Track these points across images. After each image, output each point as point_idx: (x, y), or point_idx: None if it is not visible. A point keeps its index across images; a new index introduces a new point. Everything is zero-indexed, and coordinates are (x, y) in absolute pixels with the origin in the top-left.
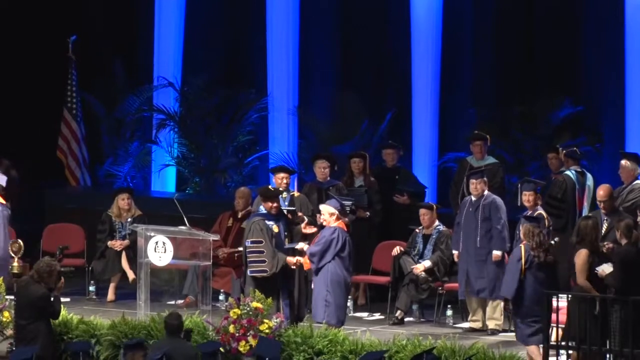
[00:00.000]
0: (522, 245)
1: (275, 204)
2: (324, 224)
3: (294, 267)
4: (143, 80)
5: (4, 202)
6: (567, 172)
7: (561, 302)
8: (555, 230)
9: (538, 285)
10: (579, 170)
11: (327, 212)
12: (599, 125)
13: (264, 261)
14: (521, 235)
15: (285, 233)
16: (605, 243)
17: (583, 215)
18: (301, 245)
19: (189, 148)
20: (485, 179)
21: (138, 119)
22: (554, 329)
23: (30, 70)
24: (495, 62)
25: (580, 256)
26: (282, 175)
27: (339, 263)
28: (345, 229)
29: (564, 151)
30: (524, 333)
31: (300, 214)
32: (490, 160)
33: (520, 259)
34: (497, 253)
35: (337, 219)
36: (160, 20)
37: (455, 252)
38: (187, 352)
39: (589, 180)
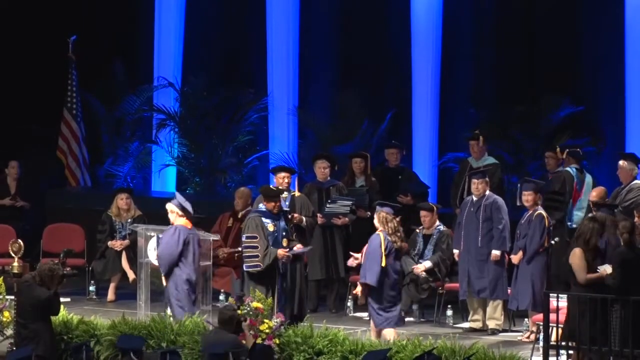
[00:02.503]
0: (380, 233)
1: (277, 203)
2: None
3: (283, 259)
4: (143, 80)
5: None
6: (567, 169)
7: (561, 302)
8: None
9: (395, 272)
10: (578, 168)
11: (169, 210)
12: (599, 126)
13: (257, 256)
14: (376, 223)
15: (284, 233)
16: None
17: (575, 208)
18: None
19: (189, 148)
20: (487, 179)
21: (138, 119)
22: (554, 329)
23: (30, 70)
24: (495, 62)
25: (575, 255)
26: (283, 174)
27: (183, 263)
28: (189, 227)
29: (567, 150)
30: (384, 318)
31: (296, 215)
32: (490, 160)
33: (380, 245)
34: (496, 253)
35: (180, 216)
36: (160, 20)
37: (455, 251)
38: (218, 341)
39: (588, 177)
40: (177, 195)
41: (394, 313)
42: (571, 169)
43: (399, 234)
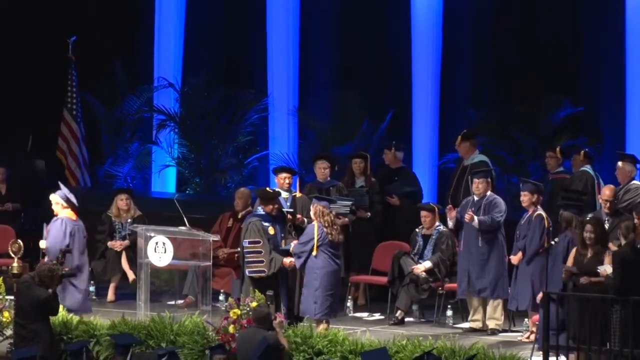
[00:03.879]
0: (315, 223)
1: (275, 206)
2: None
3: (289, 267)
4: (143, 81)
5: None
6: (584, 168)
7: None
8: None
9: (331, 261)
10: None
11: (54, 201)
12: (599, 126)
13: (261, 261)
14: (312, 215)
15: (282, 235)
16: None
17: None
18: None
19: (189, 148)
20: (488, 179)
21: (138, 120)
22: None
23: (30, 70)
24: (495, 63)
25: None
26: (284, 175)
27: (74, 252)
28: (74, 218)
29: (584, 150)
30: (320, 307)
31: (299, 216)
32: (478, 158)
33: (314, 234)
34: (478, 219)
35: (64, 207)
36: (160, 21)
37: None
38: (254, 338)
39: (599, 178)
40: (62, 186)
41: (330, 301)
42: (589, 169)
43: (335, 227)
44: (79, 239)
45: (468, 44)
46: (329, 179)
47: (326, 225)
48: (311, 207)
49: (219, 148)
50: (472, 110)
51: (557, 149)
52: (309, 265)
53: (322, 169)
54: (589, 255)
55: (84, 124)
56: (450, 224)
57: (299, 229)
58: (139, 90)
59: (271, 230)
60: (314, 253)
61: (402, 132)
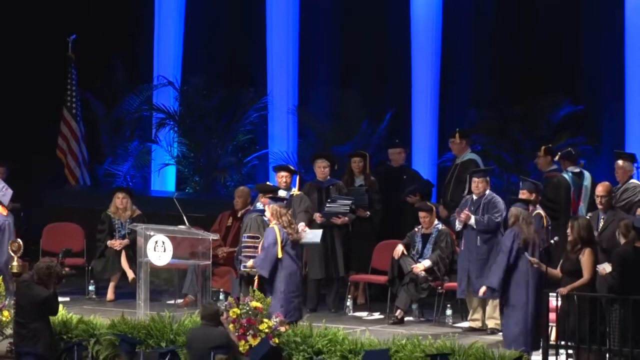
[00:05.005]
0: (274, 226)
1: None
2: None
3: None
4: (143, 80)
5: None
6: (563, 174)
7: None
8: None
9: (293, 262)
10: (576, 171)
11: None
12: (599, 125)
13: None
14: (268, 217)
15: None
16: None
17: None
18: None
19: (189, 147)
20: (487, 178)
21: (138, 118)
22: (554, 328)
23: (30, 69)
24: (494, 62)
25: None
26: (282, 174)
27: (3, 247)
28: (5, 213)
29: (559, 153)
30: (286, 310)
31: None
32: (468, 156)
33: (276, 238)
34: (475, 218)
35: None
36: (160, 20)
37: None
38: (206, 336)
39: (587, 180)
40: None
41: (294, 302)
42: (567, 174)
43: (293, 226)
44: (9, 233)
45: (468, 44)
46: (328, 177)
47: (285, 225)
48: (267, 209)
49: (219, 147)
50: (472, 110)
51: (542, 148)
52: None
53: (321, 168)
54: (570, 255)
55: (84, 123)
56: (459, 226)
57: None
58: (138, 89)
59: None
60: (279, 256)
61: (402, 131)
